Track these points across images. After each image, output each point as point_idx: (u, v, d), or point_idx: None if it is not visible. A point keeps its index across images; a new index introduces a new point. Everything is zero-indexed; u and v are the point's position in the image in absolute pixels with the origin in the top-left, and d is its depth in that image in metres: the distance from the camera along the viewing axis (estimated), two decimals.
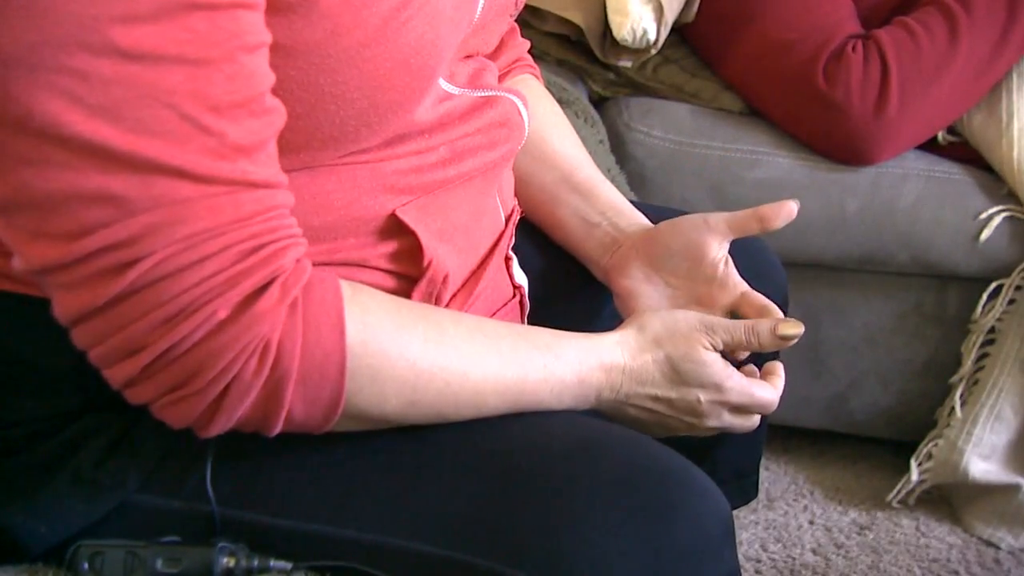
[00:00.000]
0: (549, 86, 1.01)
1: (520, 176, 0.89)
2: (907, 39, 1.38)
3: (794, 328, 0.77)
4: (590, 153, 0.95)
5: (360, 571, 0.63)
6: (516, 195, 0.86)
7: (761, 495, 1.52)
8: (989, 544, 1.49)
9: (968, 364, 1.48)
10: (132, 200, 0.52)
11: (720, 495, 0.65)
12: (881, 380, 1.56)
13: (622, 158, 1.47)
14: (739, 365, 0.78)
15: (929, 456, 1.50)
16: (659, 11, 1.40)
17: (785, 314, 0.83)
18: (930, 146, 1.47)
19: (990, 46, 1.39)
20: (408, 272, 0.69)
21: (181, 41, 0.50)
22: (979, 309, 1.47)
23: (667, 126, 1.48)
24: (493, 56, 0.85)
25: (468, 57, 0.75)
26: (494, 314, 0.78)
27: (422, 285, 0.69)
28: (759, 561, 1.43)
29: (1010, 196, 1.44)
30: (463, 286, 0.74)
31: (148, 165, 0.51)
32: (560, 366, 0.69)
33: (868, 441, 1.66)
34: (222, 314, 0.55)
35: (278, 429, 0.60)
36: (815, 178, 1.44)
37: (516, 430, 0.67)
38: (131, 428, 0.65)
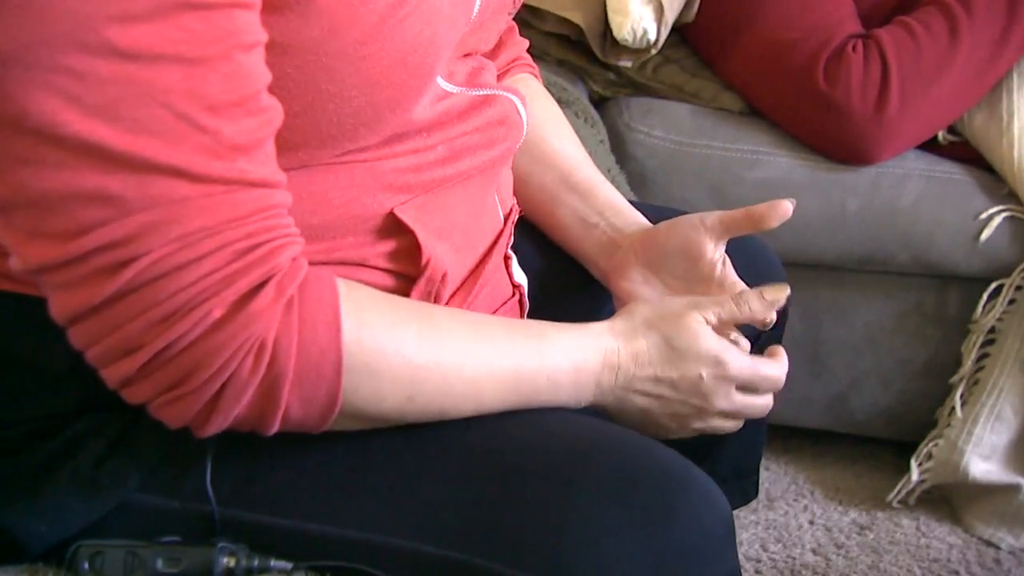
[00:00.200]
0: (549, 86, 1.02)
1: (519, 176, 0.89)
2: (907, 39, 1.38)
3: (781, 291, 0.77)
4: (590, 153, 0.95)
5: (360, 571, 0.63)
6: (515, 195, 0.86)
7: (761, 495, 1.52)
8: (989, 544, 1.49)
9: (968, 364, 1.48)
10: (128, 199, 0.52)
11: (720, 495, 0.65)
12: (881, 380, 1.56)
13: (622, 158, 1.47)
14: None
15: (929, 456, 1.50)
16: (659, 11, 1.40)
17: (785, 315, 0.83)
18: (930, 146, 1.47)
19: (990, 46, 1.39)
20: (407, 271, 0.69)
21: (177, 40, 0.50)
22: (979, 309, 1.47)
23: (667, 126, 1.48)
24: (492, 55, 0.85)
25: (466, 56, 0.75)
26: (493, 313, 0.78)
27: (421, 284, 0.69)
28: (759, 561, 1.43)
29: (1010, 196, 1.44)
30: (462, 285, 0.74)
31: (144, 164, 0.51)
32: (555, 353, 0.69)
33: (868, 441, 1.66)
34: (217, 313, 0.55)
35: (275, 428, 0.60)
36: (815, 178, 1.44)
37: (516, 430, 0.67)
38: (131, 428, 0.65)
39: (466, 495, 0.63)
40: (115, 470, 0.64)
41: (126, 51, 0.49)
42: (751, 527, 1.49)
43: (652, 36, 1.41)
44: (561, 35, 1.50)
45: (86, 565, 0.63)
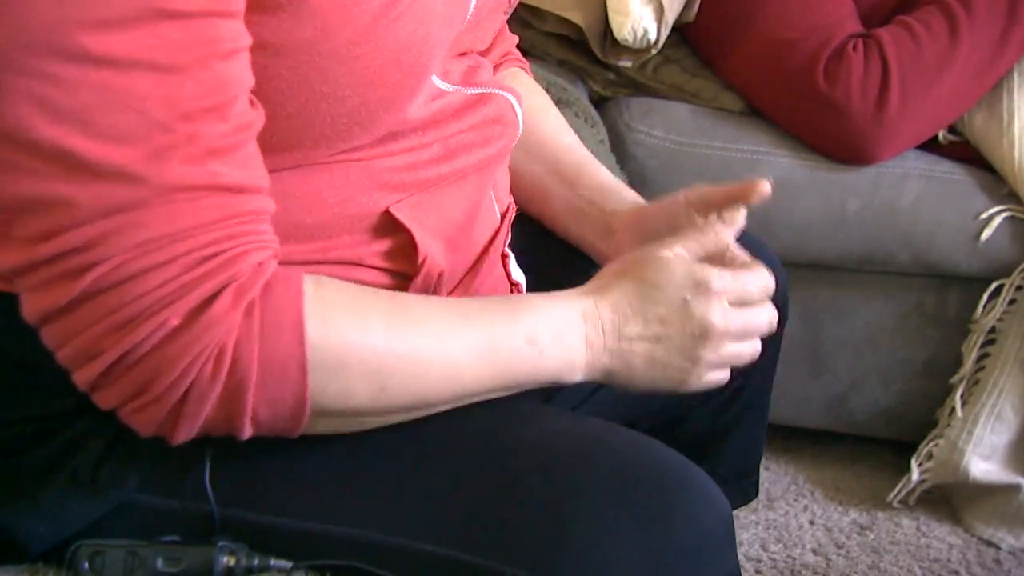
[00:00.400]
0: (549, 86, 1.02)
1: (512, 171, 0.89)
2: (908, 38, 1.38)
3: (735, 212, 0.77)
4: (590, 153, 0.95)
5: (360, 570, 0.63)
6: (511, 192, 0.86)
7: (761, 495, 1.52)
8: (989, 544, 1.49)
9: (969, 364, 1.48)
10: (91, 206, 0.52)
11: (720, 495, 0.65)
12: (882, 380, 1.56)
13: (622, 158, 1.47)
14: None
15: (929, 456, 1.50)
16: (659, 11, 1.40)
17: (785, 315, 0.83)
18: (931, 146, 1.47)
19: (991, 45, 1.39)
20: (403, 270, 0.69)
21: (153, 48, 0.50)
22: (980, 309, 1.47)
23: (667, 126, 1.48)
24: (485, 53, 0.85)
25: (462, 55, 0.75)
26: None
27: (417, 282, 0.69)
28: (759, 561, 1.43)
29: (1011, 196, 1.44)
30: (459, 283, 0.74)
31: (112, 171, 0.51)
32: (529, 315, 0.67)
33: (868, 441, 1.66)
34: (174, 322, 0.55)
35: (247, 432, 0.60)
36: (815, 178, 1.44)
37: (516, 429, 0.67)
38: (129, 428, 0.64)
39: (466, 494, 0.63)
40: (115, 470, 0.65)
41: (101, 57, 0.50)
42: (751, 527, 1.49)
43: (652, 36, 1.41)
44: (561, 35, 1.50)
45: (86, 565, 0.63)
